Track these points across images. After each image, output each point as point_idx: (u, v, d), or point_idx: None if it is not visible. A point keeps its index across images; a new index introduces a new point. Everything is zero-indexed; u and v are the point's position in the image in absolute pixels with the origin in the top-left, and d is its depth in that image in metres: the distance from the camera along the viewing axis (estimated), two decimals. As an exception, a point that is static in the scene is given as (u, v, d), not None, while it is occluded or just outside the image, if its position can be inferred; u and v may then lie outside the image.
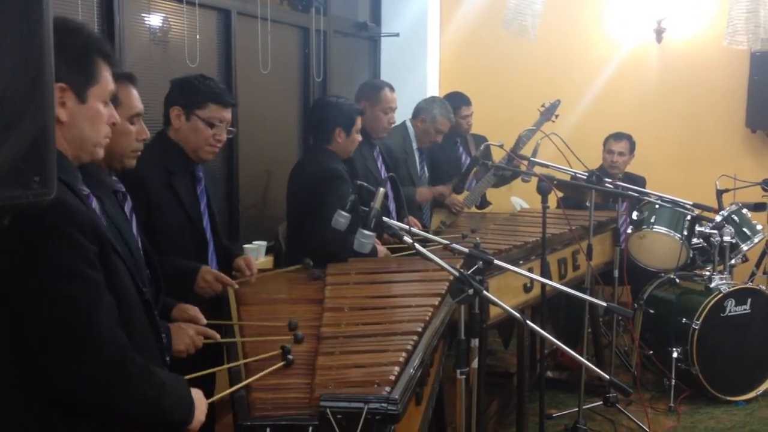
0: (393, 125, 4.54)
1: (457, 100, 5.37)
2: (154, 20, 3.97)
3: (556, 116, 4.91)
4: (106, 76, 1.77)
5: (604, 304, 2.65)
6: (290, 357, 2.20)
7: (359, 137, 3.88)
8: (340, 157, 3.82)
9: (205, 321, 2.50)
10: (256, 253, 4.53)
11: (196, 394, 1.90)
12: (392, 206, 4.26)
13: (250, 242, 4.60)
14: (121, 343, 1.62)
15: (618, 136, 5.55)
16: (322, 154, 3.78)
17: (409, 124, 4.95)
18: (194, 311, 2.52)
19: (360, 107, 3.99)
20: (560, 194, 4.54)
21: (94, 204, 1.81)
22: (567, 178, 4.33)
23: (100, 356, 1.58)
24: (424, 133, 4.88)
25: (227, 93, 3.03)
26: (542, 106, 4.97)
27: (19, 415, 1.59)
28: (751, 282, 5.06)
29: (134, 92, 2.34)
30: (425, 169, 5.00)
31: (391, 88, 4.54)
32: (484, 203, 5.45)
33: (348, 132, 3.78)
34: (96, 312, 1.58)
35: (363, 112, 3.99)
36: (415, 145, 4.91)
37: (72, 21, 1.76)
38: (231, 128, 3.04)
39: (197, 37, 4.13)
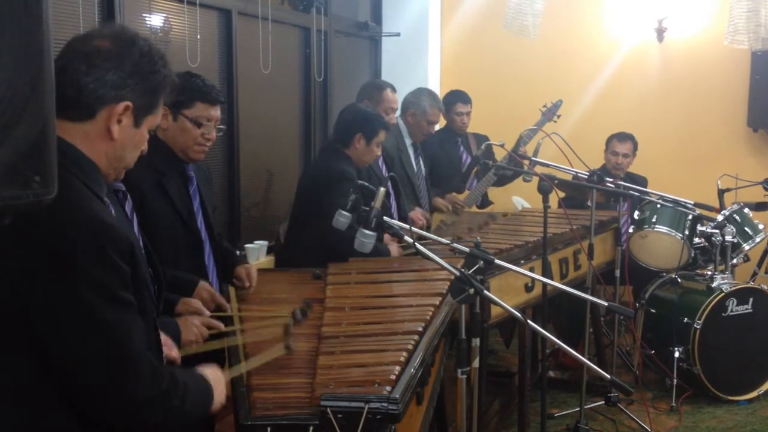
0: (394, 124, 4.57)
1: (453, 96, 5.41)
2: (155, 20, 3.98)
3: (558, 116, 4.91)
4: (161, 112, 1.79)
5: (606, 303, 2.65)
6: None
7: (378, 151, 3.90)
8: (354, 163, 3.83)
9: (209, 313, 2.52)
10: (257, 252, 4.53)
11: (214, 374, 1.92)
12: (394, 205, 4.26)
13: (251, 242, 4.61)
14: (151, 363, 1.64)
15: (622, 138, 5.50)
16: (336, 156, 3.80)
17: (399, 120, 4.94)
18: (198, 304, 2.54)
19: (387, 122, 4.00)
20: (561, 194, 4.54)
21: (111, 210, 1.80)
22: (568, 177, 4.33)
23: (135, 379, 1.59)
24: (416, 127, 4.87)
25: (215, 90, 2.94)
26: (544, 106, 4.97)
27: (28, 419, 1.59)
28: (753, 281, 5.06)
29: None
30: (422, 164, 4.99)
31: (393, 89, 4.57)
32: (485, 203, 5.45)
33: (368, 140, 3.80)
34: (131, 336, 1.59)
35: (389, 127, 4.00)
36: (408, 141, 4.91)
37: (158, 49, 1.77)
38: (221, 126, 2.98)
39: (198, 37, 4.13)
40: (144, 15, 3.89)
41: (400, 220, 4.11)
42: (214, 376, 1.92)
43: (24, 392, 1.57)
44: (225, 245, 3.17)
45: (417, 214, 4.52)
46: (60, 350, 1.54)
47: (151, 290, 1.85)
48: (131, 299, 1.61)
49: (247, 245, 4.53)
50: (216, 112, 2.93)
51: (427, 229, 4.46)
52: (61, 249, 1.51)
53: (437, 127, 5.98)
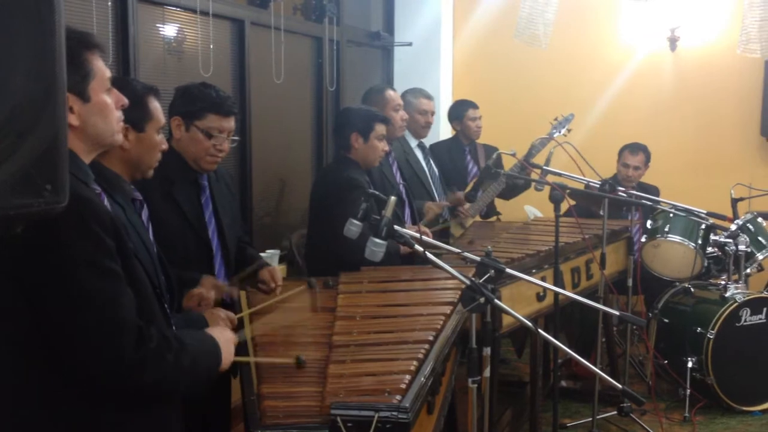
0: (406, 120, 4.56)
1: (462, 105, 5.44)
2: (168, 30, 4.01)
3: (569, 130, 4.87)
4: (100, 65, 1.78)
5: (617, 313, 2.64)
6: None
7: (383, 146, 3.81)
8: (362, 166, 3.79)
9: (212, 296, 2.63)
10: (269, 261, 4.53)
11: (222, 334, 2.02)
12: (407, 213, 4.24)
13: (263, 251, 4.61)
14: (137, 325, 1.71)
15: (634, 149, 5.45)
16: (343, 164, 3.78)
17: None
18: (199, 291, 2.60)
19: (382, 115, 3.91)
20: (572, 202, 4.52)
21: (105, 202, 1.85)
22: (580, 186, 4.32)
23: (121, 342, 1.67)
24: (412, 123, 4.79)
25: (228, 102, 2.92)
26: (555, 119, 4.94)
27: (37, 398, 1.68)
28: (767, 291, 5.02)
29: (159, 105, 2.37)
30: (432, 164, 4.96)
31: (393, 88, 4.59)
32: (491, 212, 5.40)
33: (366, 137, 3.72)
34: (118, 303, 1.67)
35: (386, 120, 3.90)
36: (413, 143, 4.88)
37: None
38: (234, 137, 2.97)
39: (211, 47, 4.15)
40: (157, 25, 3.92)
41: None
42: (223, 336, 2.01)
43: (26, 366, 1.67)
44: (250, 252, 3.19)
45: (431, 206, 4.48)
46: (53, 320, 1.63)
47: (152, 273, 1.93)
48: (117, 269, 1.68)
49: (260, 254, 4.54)
50: (229, 123, 2.92)
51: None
52: (49, 226, 1.56)
53: (447, 135, 5.99)
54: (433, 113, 4.97)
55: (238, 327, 2.63)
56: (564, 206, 3.85)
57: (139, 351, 1.69)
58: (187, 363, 1.81)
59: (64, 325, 1.64)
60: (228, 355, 2.00)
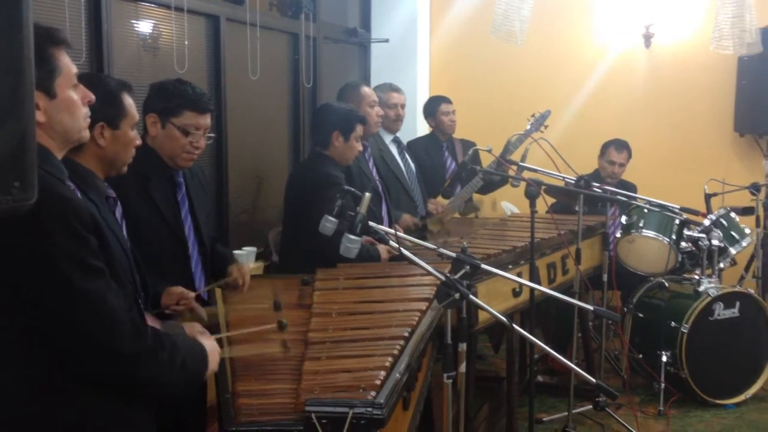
0: (381, 116, 4.58)
1: (436, 100, 5.49)
2: (143, 26, 3.97)
3: (545, 126, 4.90)
4: (66, 61, 1.77)
5: (592, 308, 2.66)
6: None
7: (359, 146, 3.83)
8: (338, 164, 3.79)
9: (193, 294, 2.65)
10: (246, 259, 4.52)
11: (209, 344, 2.05)
12: (384, 210, 4.25)
13: (239, 248, 4.60)
14: (132, 320, 1.74)
15: (619, 146, 5.49)
16: (320, 160, 3.77)
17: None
18: (180, 289, 2.63)
19: (362, 115, 3.93)
20: (552, 200, 4.54)
21: (78, 194, 1.85)
22: (556, 183, 4.35)
23: (118, 336, 1.70)
24: (385, 119, 4.77)
25: (204, 98, 2.91)
26: (532, 116, 4.97)
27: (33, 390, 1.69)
28: (740, 286, 5.08)
29: (132, 102, 2.35)
30: (409, 160, 4.96)
31: (367, 84, 4.58)
32: (468, 208, 5.42)
33: (346, 137, 3.73)
34: (107, 299, 1.69)
35: (365, 121, 3.92)
36: (388, 138, 4.88)
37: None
38: (210, 134, 2.96)
39: (186, 43, 4.13)
40: (131, 21, 3.88)
41: (389, 225, 4.11)
42: (210, 344, 2.04)
43: (25, 361, 1.68)
44: (219, 249, 3.16)
45: (406, 219, 4.50)
46: (47, 319, 1.65)
47: (128, 273, 1.94)
48: (101, 266, 1.70)
49: (236, 251, 4.52)
50: (205, 120, 2.91)
51: (418, 232, 4.45)
52: (32, 227, 1.58)
53: (425, 132, 6.00)
54: (403, 106, 4.98)
55: (212, 331, 2.63)
56: (541, 203, 3.87)
57: (134, 345, 1.71)
58: (178, 363, 1.83)
59: (58, 322, 1.66)
60: (213, 364, 2.02)
